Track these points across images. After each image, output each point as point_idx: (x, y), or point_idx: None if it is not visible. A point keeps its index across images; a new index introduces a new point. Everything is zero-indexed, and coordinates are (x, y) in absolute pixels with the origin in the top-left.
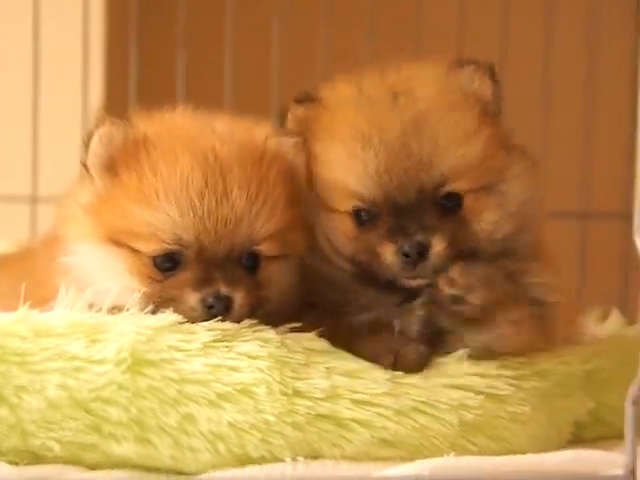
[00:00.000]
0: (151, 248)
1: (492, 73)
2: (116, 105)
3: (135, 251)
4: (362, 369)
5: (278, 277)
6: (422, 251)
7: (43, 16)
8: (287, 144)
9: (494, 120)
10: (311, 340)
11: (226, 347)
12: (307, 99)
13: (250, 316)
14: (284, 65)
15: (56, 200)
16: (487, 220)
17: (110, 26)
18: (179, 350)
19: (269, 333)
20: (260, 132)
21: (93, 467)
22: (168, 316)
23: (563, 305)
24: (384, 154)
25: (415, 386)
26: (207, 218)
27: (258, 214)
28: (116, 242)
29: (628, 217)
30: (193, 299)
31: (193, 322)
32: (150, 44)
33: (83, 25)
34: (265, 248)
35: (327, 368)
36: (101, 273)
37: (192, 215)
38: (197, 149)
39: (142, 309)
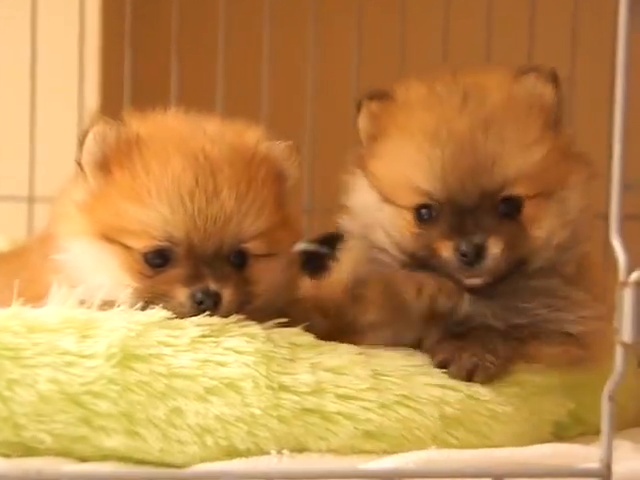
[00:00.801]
0: (142, 245)
1: (554, 78)
2: (111, 107)
3: (127, 247)
4: (345, 365)
5: (265, 275)
6: (479, 252)
7: (39, 19)
8: (277, 148)
9: (557, 128)
10: (297, 335)
11: (214, 342)
12: (380, 96)
13: (238, 312)
14: (275, 70)
15: (52, 200)
16: (545, 227)
17: (106, 30)
18: (168, 345)
19: (255, 329)
20: (251, 135)
21: (83, 459)
22: (157, 312)
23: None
24: (450, 152)
25: (397, 383)
26: (197, 216)
27: (247, 213)
28: (108, 239)
29: (608, 218)
30: (183, 295)
31: (182, 317)
32: (145, 48)
33: (79, 29)
34: (253, 246)
35: (312, 364)
36: (93, 269)
37: (183, 213)
38: (188, 149)
39: (133, 304)
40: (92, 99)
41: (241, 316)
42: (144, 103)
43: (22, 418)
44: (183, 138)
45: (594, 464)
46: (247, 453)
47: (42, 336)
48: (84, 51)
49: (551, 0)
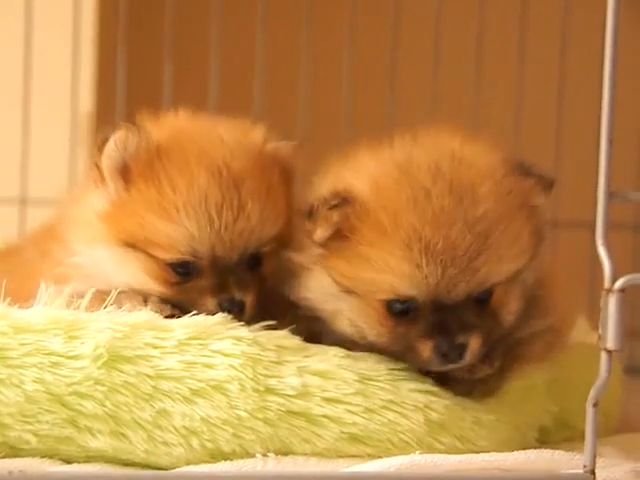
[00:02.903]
0: (168, 256)
1: (550, 189)
2: (105, 108)
3: (151, 256)
4: (332, 369)
5: (275, 270)
6: (461, 352)
7: (34, 20)
8: (285, 148)
9: (539, 236)
10: (283, 338)
11: (200, 345)
12: (341, 203)
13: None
14: (268, 71)
15: (45, 202)
16: (512, 310)
17: (101, 31)
18: (154, 347)
19: (242, 331)
20: (257, 136)
21: (69, 460)
22: (144, 314)
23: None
24: (441, 261)
25: (383, 388)
26: (224, 232)
27: (266, 220)
28: (132, 246)
29: (595, 226)
30: (211, 304)
31: None
32: (139, 47)
33: (74, 30)
34: (269, 248)
35: (299, 367)
36: (116, 272)
37: (209, 229)
38: (210, 162)
39: (159, 310)
40: (86, 100)
41: (229, 317)
42: (138, 103)
43: (7, 418)
44: (203, 148)
45: (578, 470)
46: (233, 455)
47: (29, 336)
48: (78, 51)
49: (541, 7)
